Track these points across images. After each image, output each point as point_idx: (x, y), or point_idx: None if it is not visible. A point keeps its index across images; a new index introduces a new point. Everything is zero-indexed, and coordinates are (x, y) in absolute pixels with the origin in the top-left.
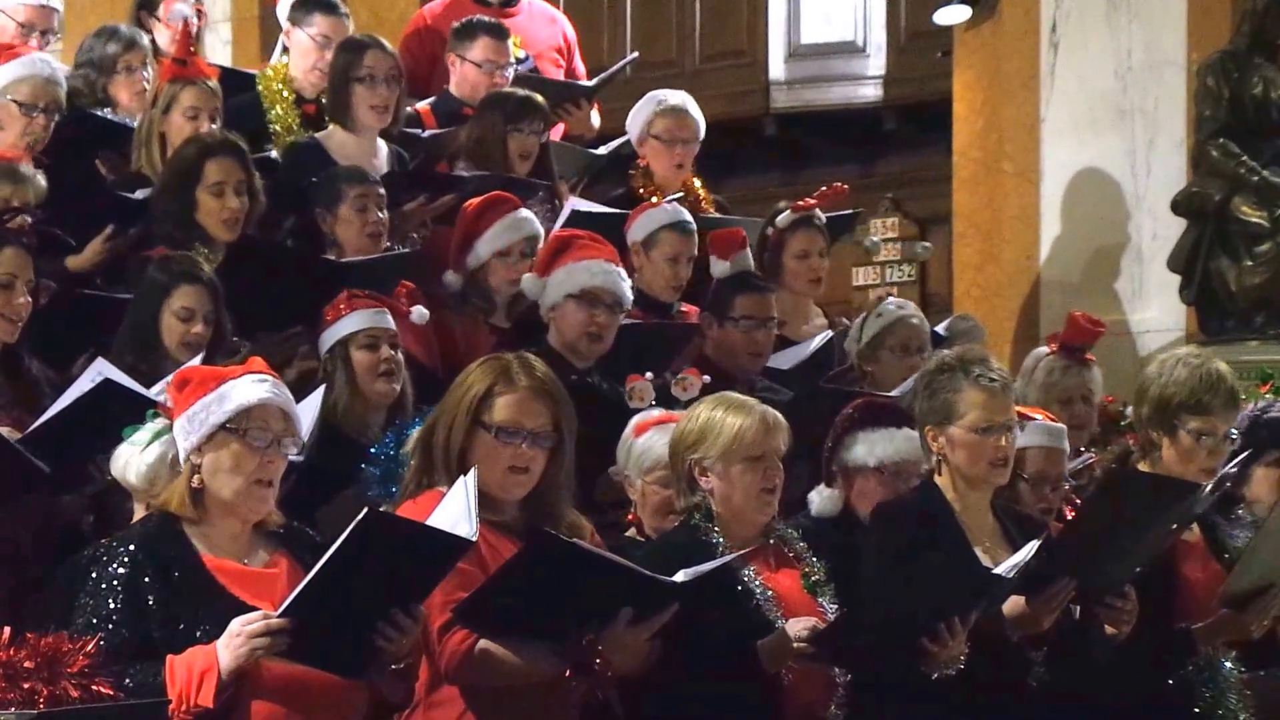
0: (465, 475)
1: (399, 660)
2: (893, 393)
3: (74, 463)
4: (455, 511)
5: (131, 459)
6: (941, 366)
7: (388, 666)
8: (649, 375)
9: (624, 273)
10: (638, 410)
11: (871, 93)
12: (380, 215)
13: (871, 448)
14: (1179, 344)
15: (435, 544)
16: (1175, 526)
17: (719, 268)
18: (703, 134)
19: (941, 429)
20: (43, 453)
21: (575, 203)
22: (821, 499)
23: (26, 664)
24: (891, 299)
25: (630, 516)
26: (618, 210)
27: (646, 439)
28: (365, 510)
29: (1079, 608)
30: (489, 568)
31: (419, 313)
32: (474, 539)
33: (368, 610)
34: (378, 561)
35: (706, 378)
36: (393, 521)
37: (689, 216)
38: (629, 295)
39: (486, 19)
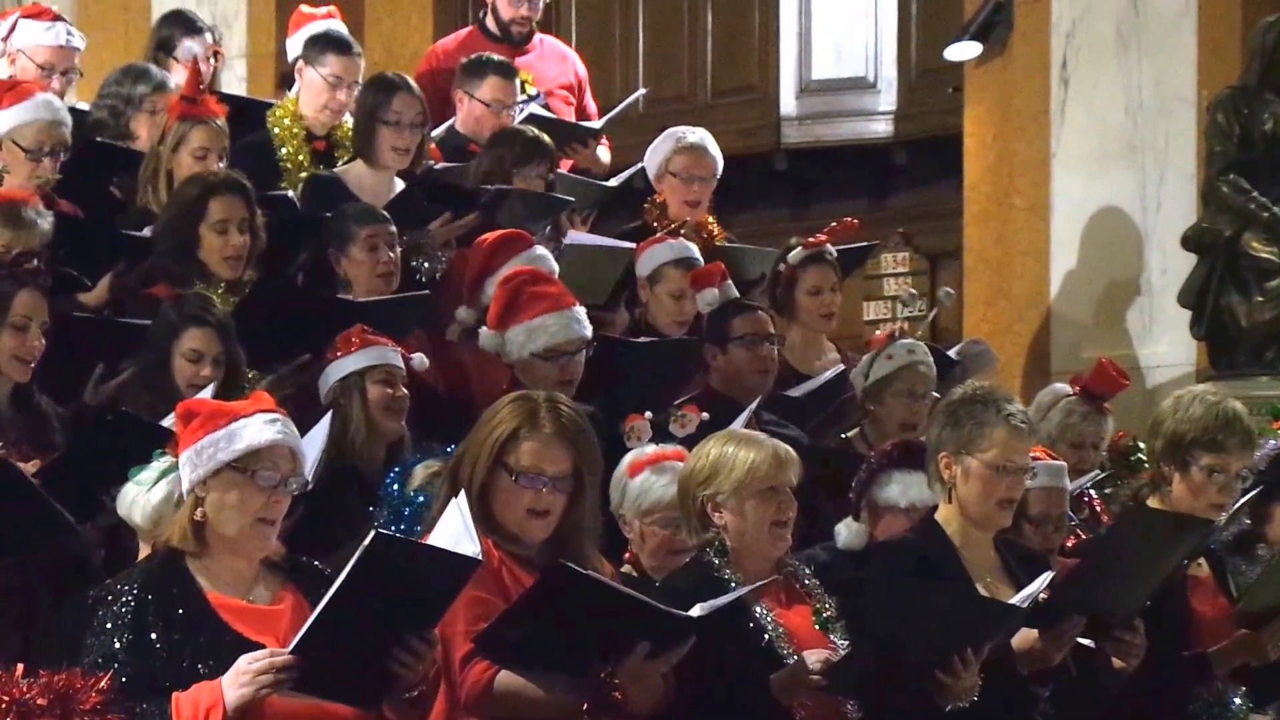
0: (456, 498)
1: (414, 688)
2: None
3: (86, 493)
4: (453, 534)
5: (138, 499)
6: (972, 397)
7: (402, 695)
8: (648, 415)
9: (578, 309)
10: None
11: (882, 128)
12: (392, 255)
13: (905, 489)
14: (1189, 379)
15: (444, 565)
16: (1186, 561)
17: (705, 299)
18: (720, 171)
19: (958, 457)
20: (59, 485)
21: (574, 236)
22: (849, 532)
23: (39, 701)
24: (902, 340)
25: (627, 555)
26: (617, 243)
27: (643, 479)
28: (373, 533)
29: (1089, 641)
30: (512, 599)
31: (419, 360)
32: (480, 558)
33: (381, 637)
34: (388, 586)
35: (705, 415)
36: (400, 544)
37: (695, 253)
38: (588, 330)
39: (496, 57)
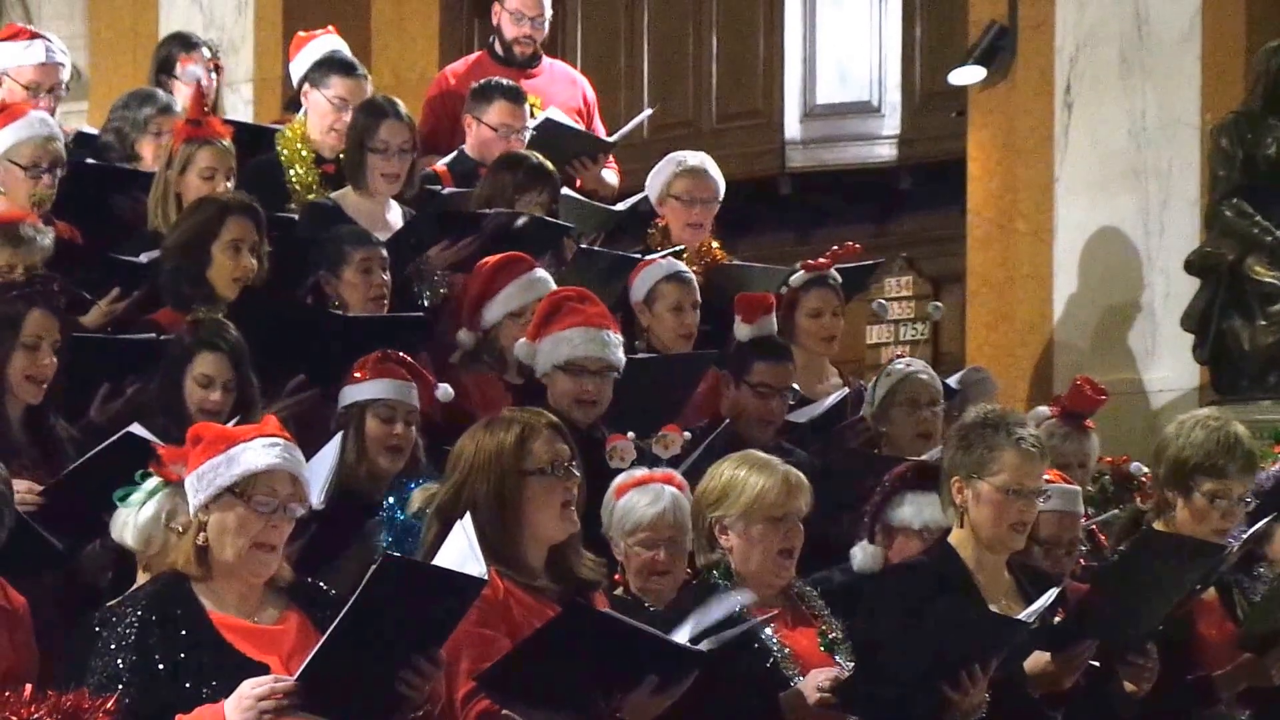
0: (460, 520)
1: (419, 708)
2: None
3: (92, 514)
4: (458, 555)
5: (128, 520)
6: (984, 421)
7: (408, 716)
8: (631, 435)
9: (612, 334)
10: (619, 470)
11: (886, 152)
12: (384, 278)
13: (920, 510)
14: (1192, 403)
15: (451, 585)
16: (1199, 586)
17: (742, 330)
18: (722, 194)
19: (970, 481)
20: (64, 504)
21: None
22: (864, 555)
23: None
24: (901, 359)
25: (616, 577)
26: (622, 253)
27: (627, 500)
28: (381, 557)
29: (1100, 664)
30: (518, 632)
31: (444, 390)
32: (486, 578)
33: (388, 658)
34: (396, 608)
35: (687, 434)
36: (408, 566)
37: (684, 267)
38: (619, 358)
39: (504, 82)
